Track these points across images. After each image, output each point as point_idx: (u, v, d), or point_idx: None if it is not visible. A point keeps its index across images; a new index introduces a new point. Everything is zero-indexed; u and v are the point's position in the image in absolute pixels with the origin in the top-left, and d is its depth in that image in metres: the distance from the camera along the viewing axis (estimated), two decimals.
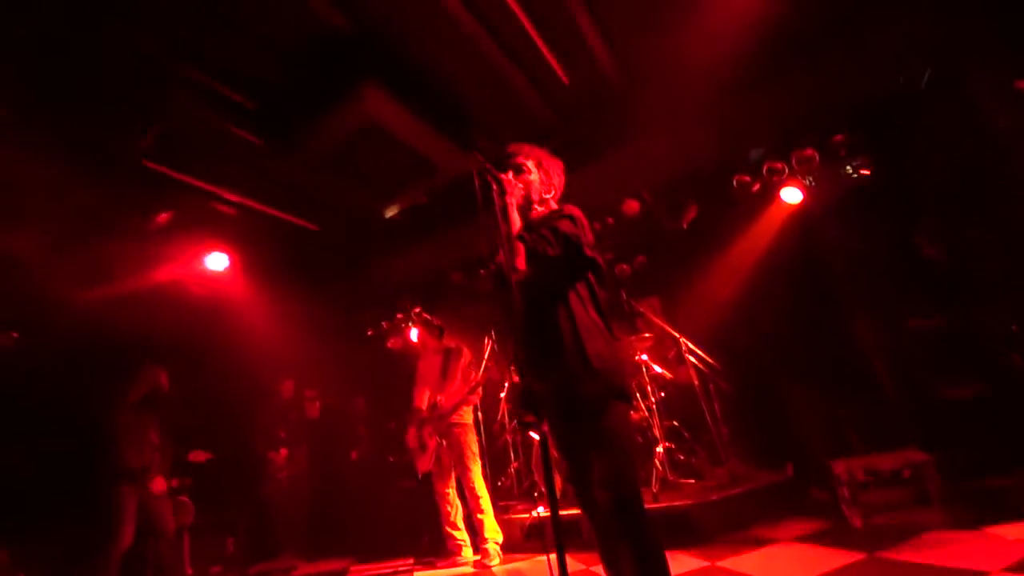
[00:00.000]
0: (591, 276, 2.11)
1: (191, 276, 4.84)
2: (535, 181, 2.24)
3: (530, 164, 2.25)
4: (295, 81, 3.49)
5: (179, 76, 3.27)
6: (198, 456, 4.84)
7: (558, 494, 1.75)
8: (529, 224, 2.13)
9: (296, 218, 4.99)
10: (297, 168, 4.15)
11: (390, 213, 5.01)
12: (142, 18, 2.90)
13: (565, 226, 2.02)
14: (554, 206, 2.29)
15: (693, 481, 4.30)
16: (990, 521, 2.65)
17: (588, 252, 2.07)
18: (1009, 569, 2.09)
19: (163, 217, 4.31)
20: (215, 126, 3.66)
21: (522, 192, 2.18)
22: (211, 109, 3.54)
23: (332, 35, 3.25)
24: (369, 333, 7.08)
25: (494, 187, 1.95)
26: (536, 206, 2.25)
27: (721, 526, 3.50)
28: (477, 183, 1.93)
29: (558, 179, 2.34)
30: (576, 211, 2.11)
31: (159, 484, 3.88)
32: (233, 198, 4.48)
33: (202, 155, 3.98)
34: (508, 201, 1.97)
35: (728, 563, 2.88)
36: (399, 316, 6.79)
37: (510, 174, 2.15)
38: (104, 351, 4.53)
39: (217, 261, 4.77)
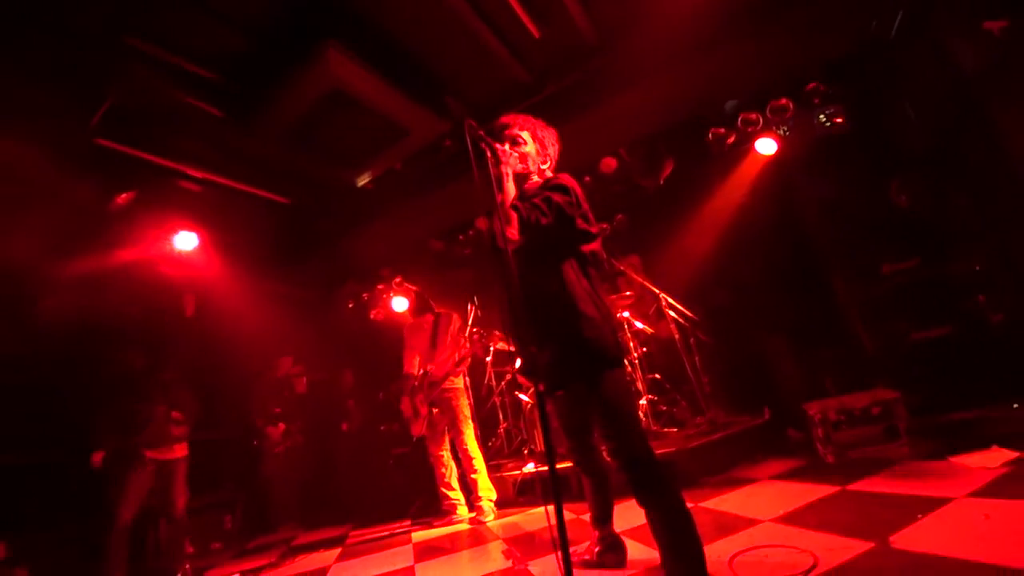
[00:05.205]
0: (585, 246, 2.10)
1: (160, 257, 4.67)
2: (531, 153, 2.21)
3: (525, 135, 2.21)
4: (255, 47, 3.29)
5: (129, 47, 3.05)
6: None
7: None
8: (523, 194, 2.11)
9: (265, 192, 4.81)
10: (263, 140, 3.97)
11: (362, 182, 4.88)
12: None
13: (557, 196, 2.00)
14: (549, 175, 2.26)
15: (676, 430, 4.46)
16: (955, 452, 2.81)
17: (581, 224, 2.06)
18: (973, 495, 2.24)
19: (123, 198, 4.11)
20: (172, 100, 3.45)
21: (518, 163, 2.14)
22: (167, 82, 3.32)
23: None
24: (350, 305, 7.01)
25: (488, 155, 1.90)
26: (533, 176, 2.22)
27: (704, 469, 3.66)
28: (471, 150, 1.86)
29: (553, 148, 2.30)
30: (570, 181, 2.09)
31: (181, 451, 3.89)
32: (197, 174, 4.28)
33: (161, 131, 3.77)
34: (503, 171, 1.94)
35: (711, 503, 3.03)
36: (379, 287, 6.73)
37: (506, 145, 2.11)
38: (83, 336, 4.41)
39: (186, 240, 4.60)
